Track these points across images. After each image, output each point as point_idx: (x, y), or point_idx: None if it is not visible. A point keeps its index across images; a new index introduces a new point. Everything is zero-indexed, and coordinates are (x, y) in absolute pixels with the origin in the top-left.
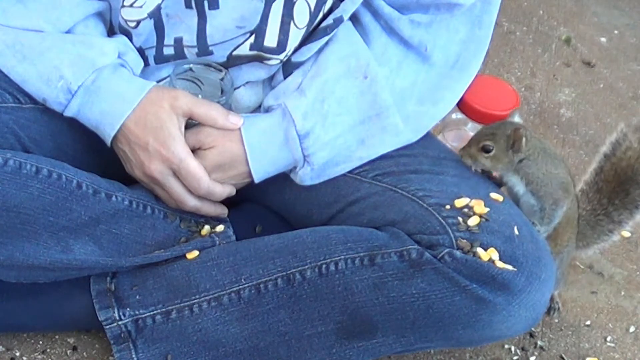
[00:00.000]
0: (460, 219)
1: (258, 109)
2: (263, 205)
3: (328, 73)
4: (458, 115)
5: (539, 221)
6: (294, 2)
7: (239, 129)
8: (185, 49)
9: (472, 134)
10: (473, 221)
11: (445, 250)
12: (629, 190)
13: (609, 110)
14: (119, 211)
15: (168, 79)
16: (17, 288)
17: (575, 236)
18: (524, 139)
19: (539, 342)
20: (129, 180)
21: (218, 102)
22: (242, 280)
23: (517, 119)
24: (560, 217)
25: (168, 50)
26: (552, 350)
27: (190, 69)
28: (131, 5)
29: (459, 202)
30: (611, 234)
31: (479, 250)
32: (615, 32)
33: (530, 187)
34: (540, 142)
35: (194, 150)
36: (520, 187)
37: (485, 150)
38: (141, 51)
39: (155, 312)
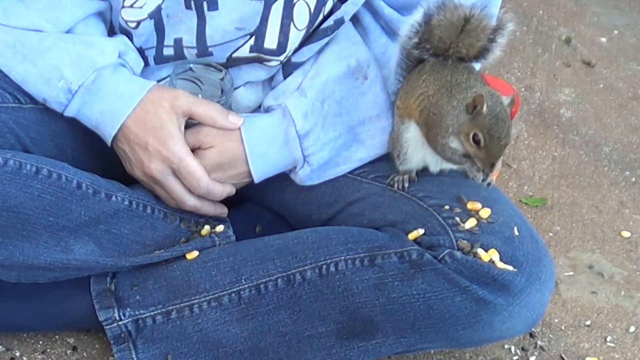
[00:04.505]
0: (460, 219)
1: (258, 109)
2: (263, 205)
3: (328, 73)
4: None
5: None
6: (294, 4)
7: (239, 128)
8: (185, 50)
9: None
10: (473, 222)
11: (446, 251)
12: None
13: (609, 110)
14: (119, 211)
15: (168, 78)
16: (17, 288)
17: None
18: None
19: (539, 342)
20: (129, 180)
21: (218, 102)
22: (242, 280)
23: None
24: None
25: (168, 51)
26: (552, 350)
27: (190, 69)
28: (131, 6)
29: (460, 203)
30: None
31: (480, 251)
32: (615, 32)
33: None
34: None
35: (193, 150)
36: None
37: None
38: (141, 51)
39: (155, 312)
